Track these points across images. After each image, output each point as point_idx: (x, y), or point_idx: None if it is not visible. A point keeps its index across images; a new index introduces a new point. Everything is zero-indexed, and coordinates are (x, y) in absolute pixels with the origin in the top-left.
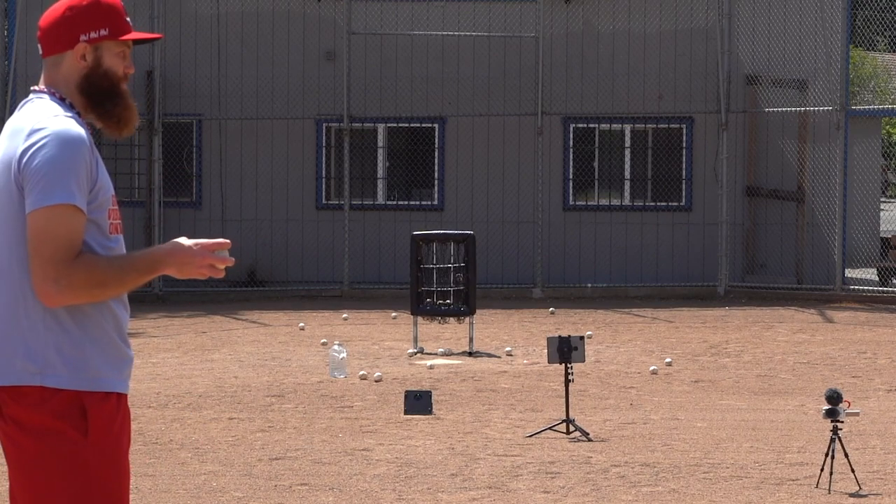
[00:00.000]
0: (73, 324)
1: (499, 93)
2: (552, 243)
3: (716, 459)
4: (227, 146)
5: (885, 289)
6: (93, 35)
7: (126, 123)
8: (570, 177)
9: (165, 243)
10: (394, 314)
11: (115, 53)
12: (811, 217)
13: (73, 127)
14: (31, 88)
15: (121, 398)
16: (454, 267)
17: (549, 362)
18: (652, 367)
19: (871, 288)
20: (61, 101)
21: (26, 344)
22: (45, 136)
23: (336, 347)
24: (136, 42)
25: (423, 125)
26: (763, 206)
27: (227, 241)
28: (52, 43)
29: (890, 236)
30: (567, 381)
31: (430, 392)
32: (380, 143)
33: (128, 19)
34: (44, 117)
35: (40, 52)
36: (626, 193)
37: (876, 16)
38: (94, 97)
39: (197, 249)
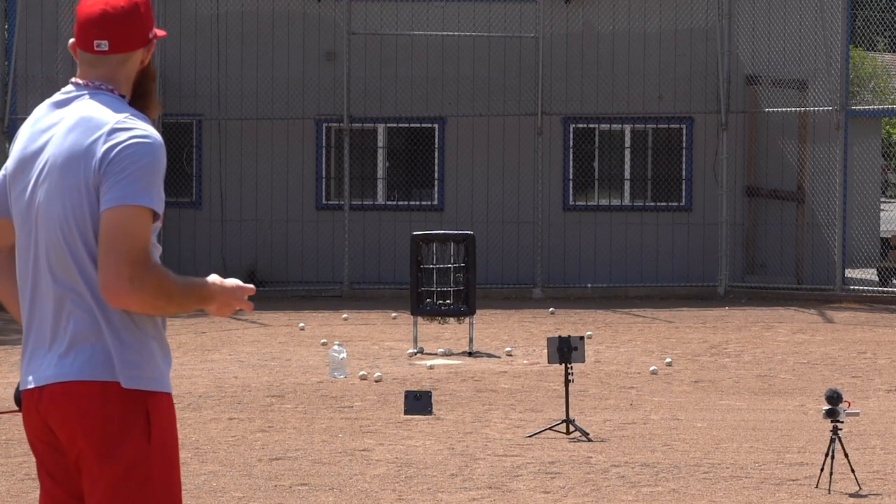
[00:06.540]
0: (131, 322)
1: (499, 93)
2: (552, 243)
3: (716, 459)
4: (226, 146)
5: (885, 289)
6: (152, 33)
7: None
8: (570, 177)
9: (217, 282)
10: (394, 314)
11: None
12: (811, 217)
13: (157, 132)
14: (76, 81)
15: (171, 397)
16: (454, 267)
17: (549, 362)
18: (652, 368)
19: (871, 288)
20: (121, 97)
21: (94, 343)
22: (133, 137)
23: (336, 347)
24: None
25: (423, 125)
26: (763, 206)
27: (253, 286)
28: (126, 39)
29: (890, 236)
30: (567, 382)
31: (430, 392)
32: (380, 144)
33: None
34: (126, 117)
35: (102, 47)
36: (626, 193)
37: (876, 16)
38: (138, 95)
39: (237, 293)
